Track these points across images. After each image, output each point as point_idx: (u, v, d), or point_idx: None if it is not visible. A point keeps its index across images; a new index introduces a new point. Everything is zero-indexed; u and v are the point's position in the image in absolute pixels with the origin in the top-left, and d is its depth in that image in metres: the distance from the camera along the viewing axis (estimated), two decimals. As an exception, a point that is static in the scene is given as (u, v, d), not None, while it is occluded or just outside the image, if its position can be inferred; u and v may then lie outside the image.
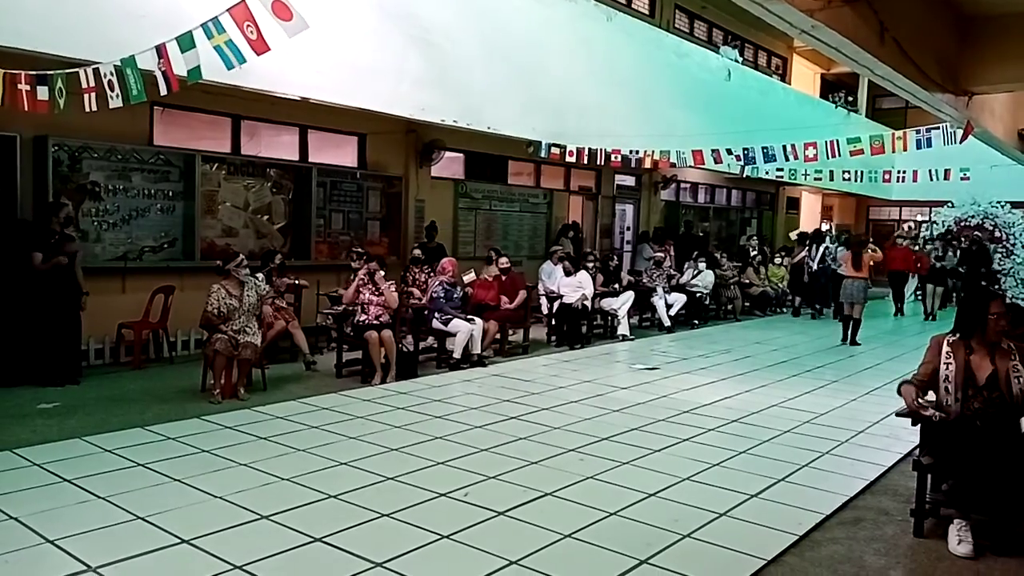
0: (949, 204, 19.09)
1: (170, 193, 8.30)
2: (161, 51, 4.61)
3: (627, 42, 11.89)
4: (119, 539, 3.69)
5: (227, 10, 4.39)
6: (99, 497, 4.21)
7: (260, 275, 7.68)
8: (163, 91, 4.70)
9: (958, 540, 3.85)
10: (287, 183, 9.58)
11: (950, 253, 15.15)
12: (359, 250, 8.64)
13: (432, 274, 9.02)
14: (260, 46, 4.42)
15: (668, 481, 4.80)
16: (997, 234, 18.37)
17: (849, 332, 11.03)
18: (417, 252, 9.72)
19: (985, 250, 16.45)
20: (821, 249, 14.37)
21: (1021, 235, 18.43)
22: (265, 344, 7.21)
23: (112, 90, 4.79)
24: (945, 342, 4.24)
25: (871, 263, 11.22)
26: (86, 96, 4.90)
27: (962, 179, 12.74)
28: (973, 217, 18.57)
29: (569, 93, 10.79)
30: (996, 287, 15.98)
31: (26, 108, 5.09)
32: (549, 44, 10.45)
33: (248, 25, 4.37)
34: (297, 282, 8.62)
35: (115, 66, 4.80)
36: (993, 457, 3.78)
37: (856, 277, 10.91)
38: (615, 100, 11.64)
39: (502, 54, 9.69)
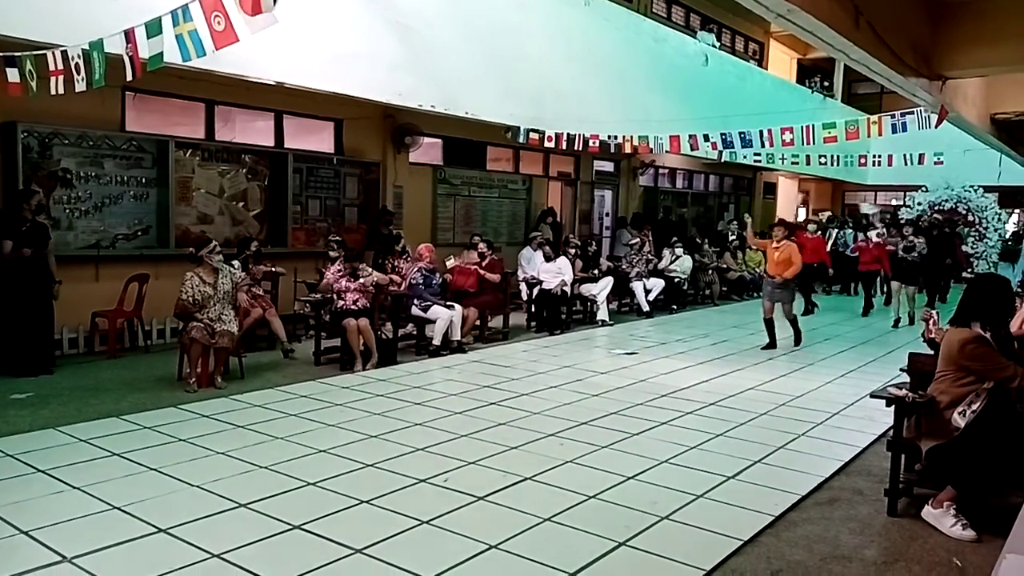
0: (923, 188, 19.32)
1: (143, 180, 8.18)
2: (129, 35, 4.52)
3: (605, 27, 11.87)
4: (95, 529, 3.66)
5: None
6: (74, 487, 4.17)
7: (236, 262, 7.61)
8: (129, 76, 4.61)
9: (962, 526, 3.84)
10: (263, 169, 9.48)
11: (919, 240, 11.98)
12: (337, 239, 8.57)
13: (408, 259, 8.97)
14: (226, 37, 4.32)
15: (646, 464, 4.83)
16: (970, 218, 18.63)
17: (793, 333, 9.35)
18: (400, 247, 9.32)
19: (948, 236, 15.08)
20: (833, 234, 14.68)
21: (993, 219, 18.70)
22: (242, 332, 7.15)
23: (78, 73, 4.71)
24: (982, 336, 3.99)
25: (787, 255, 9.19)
26: (53, 79, 4.81)
27: (936, 163, 12.89)
28: (947, 201, 18.81)
29: (547, 78, 10.76)
30: (968, 272, 16.19)
31: None
32: (526, 29, 10.40)
33: (216, 15, 4.28)
34: (274, 269, 8.55)
35: (83, 50, 4.71)
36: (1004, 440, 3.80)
37: (777, 271, 9.22)
38: (593, 85, 11.62)
39: (479, 39, 9.64)
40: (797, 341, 9.39)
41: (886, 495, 4.20)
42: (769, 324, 9.24)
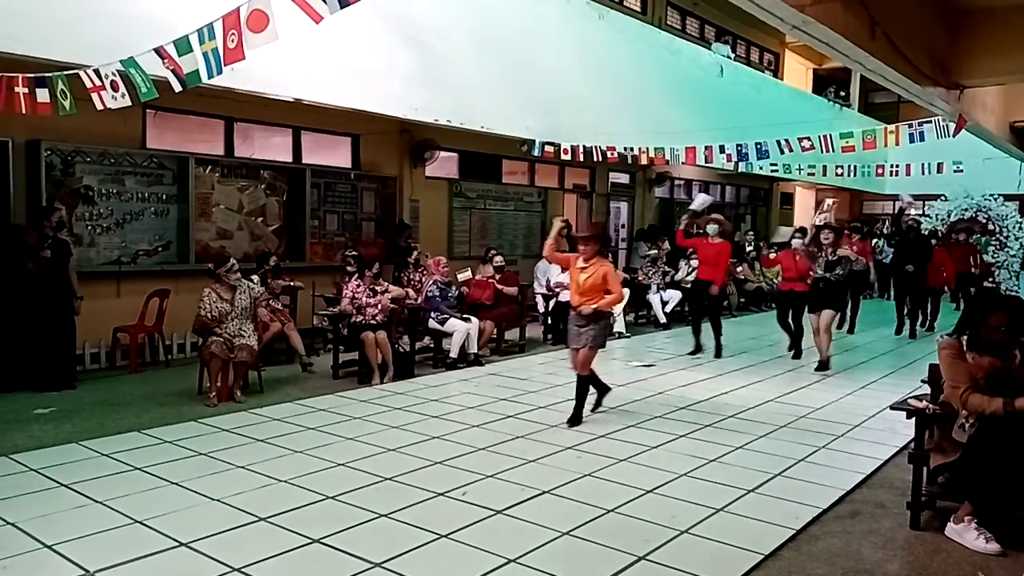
0: (943, 197, 19.16)
1: (164, 196, 8.28)
2: (162, 53, 4.59)
3: (619, 39, 11.90)
4: (117, 543, 3.69)
5: (222, 16, 4.36)
6: (96, 501, 4.21)
7: (255, 277, 7.68)
8: (177, 88, 4.67)
9: (985, 539, 3.80)
10: (281, 185, 9.57)
11: (849, 252, 9.24)
12: (353, 254, 8.61)
13: (425, 272, 9.01)
14: (235, 55, 4.38)
15: (665, 477, 4.81)
16: (991, 227, 18.43)
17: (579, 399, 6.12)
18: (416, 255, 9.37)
19: (925, 239, 12.60)
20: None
21: (1014, 228, 18.50)
22: (261, 346, 7.20)
23: (116, 90, 4.75)
24: (966, 351, 4.04)
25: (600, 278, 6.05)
26: (94, 95, 4.85)
27: (955, 172, 12.76)
28: (967, 210, 18.63)
29: (562, 91, 10.79)
30: (990, 281, 15.94)
31: (24, 111, 5.04)
32: (541, 42, 10.45)
33: (232, 33, 4.34)
34: (292, 284, 8.61)
35: (117, 70, 4.77)
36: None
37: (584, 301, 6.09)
38: (608, 98, 11.64)
39: (494, 53, 9.69)
40: (574, 419, 6.02)
41: (908, 508, 4.15)
42: (584, 384, 6.12)
